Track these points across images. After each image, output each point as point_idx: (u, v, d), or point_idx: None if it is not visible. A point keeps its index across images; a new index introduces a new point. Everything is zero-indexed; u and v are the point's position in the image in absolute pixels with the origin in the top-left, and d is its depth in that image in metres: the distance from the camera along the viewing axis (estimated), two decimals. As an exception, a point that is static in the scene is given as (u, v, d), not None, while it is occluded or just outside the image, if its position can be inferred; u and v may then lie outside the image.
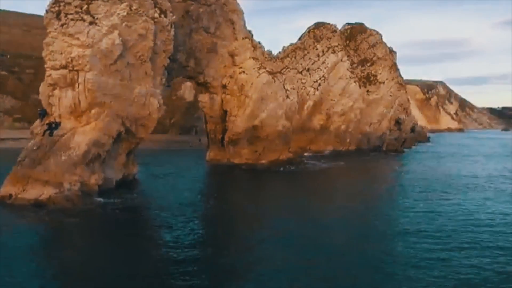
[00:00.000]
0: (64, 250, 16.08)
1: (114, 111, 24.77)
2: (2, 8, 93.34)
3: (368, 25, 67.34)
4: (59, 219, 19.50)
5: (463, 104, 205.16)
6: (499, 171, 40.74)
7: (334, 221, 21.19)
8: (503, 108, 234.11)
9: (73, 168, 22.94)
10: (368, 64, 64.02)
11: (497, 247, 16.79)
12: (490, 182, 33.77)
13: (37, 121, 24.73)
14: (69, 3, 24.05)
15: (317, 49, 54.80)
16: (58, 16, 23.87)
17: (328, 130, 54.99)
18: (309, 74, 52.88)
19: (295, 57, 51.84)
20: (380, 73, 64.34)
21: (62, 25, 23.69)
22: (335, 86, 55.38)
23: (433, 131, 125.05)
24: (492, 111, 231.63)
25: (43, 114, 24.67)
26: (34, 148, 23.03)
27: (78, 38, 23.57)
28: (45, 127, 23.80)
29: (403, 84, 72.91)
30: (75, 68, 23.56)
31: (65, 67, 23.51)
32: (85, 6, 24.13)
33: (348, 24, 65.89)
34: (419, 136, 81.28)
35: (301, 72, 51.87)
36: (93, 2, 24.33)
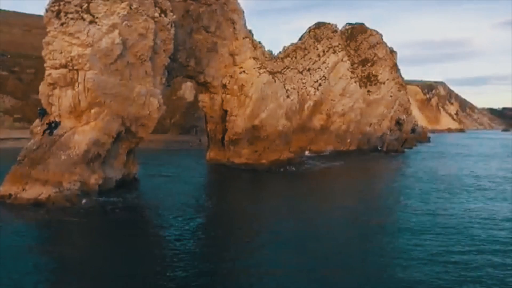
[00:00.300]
0: (63, 249, 16.00)
1: (114, 111, 24.71)
2: (2, 8, 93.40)
3: (368, 25, 67.40)
4: (59, 219, 19.44)
5: (464, 105, 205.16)
6: (500, 171, 40.65)
7: (335, 221, 21.12)
8: (504, 108, 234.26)
9: (73, 168, 22.87)
10: (369, 64, 63.97)
11: (500, 243, 16.72)
12: (492, 182, 33.69)
13: (37, 121, 24.67)
14: (69, 2, 23.97)
15: (317, 49, 54.77)
16: (58, 15, 23.80)
17: (329, 130, 54.94)
18: (310, 74, 52.83)
19: (295, 57, 51.80)
20: (380, 73, 64.30)
21: (62, 24, 23.61)
22: (335, 86, 55.34)
23: (433, 131, 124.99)
24: (492, 111, 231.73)
25: (43, 113, 24.60)
26: (34, 147, 22.97)
27: (78, 37, 23.49)
28: (45, 126, 23.74)
29: (403, 84, 72.85)
30: (75, 68, 23.48)
31: (65, 66, 23.44)
32: (85, 5, 24.06)
33: (349, 24, 65.87)
34: (420, 137, 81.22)
35: (301, 72, 51.82)
36: (93, 1, 24.26)
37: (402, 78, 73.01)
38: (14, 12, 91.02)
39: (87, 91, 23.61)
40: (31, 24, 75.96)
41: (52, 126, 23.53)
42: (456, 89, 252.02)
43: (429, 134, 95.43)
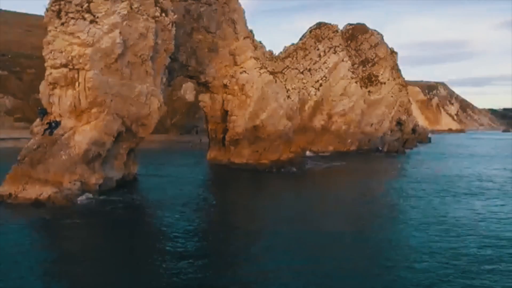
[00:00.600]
0: (63, 249, 15.95)
1: (114, 110, 24.68)
2: (3, 8, 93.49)
3: (369, 25, 67.38)
4: (59, 218, 19.38)
5: (464, 105, 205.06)
6: (502, 172, 40.55)
7: (337, 222, 21.05)
8: (504, 109, 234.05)
9: (73, 168, 22.84)
10: (370, 65, 63.96)
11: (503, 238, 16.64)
12: (494, 183, 33.57)
13: (37, 120, 24.64)
14: (70, 2, 23.92)
15: (318, 49, 54.73)
16: (58, 15, 23.77)
17: (329, 131, 54.89)
18: (310, 74, 52.80)
19: (296, 57, 51.78)
20: (381, 74, 64.28)
21: (62, 24, 23.58)
22: (336, 87, 55.29)
23: (434, 132, 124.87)
24: (493, 112, 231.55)
25: (43, 113, 24.57)
26: (34, 147, 22.93)
27: (78, 37, 23.46)
28: (45, 126, 23.72)
29: (404, 84, 72.83)
30: (75, 67, 23.46)
31: (65, 65, 23.42)
32: (86, 5, 24.01)
33: (350, 24, 65.85)
34: (420, 137, 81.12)
35: (302, 72, 51.80)
36: (93, 0, 24.20)
37: (403, 78, 72.98)
38: (15, 12, 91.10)
39: (88, 90, 23.58)
40: (31, 24, 75.97)
41: (53, 126, 23.50)
42: (456, 90, 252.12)
43: (430, 135, 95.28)
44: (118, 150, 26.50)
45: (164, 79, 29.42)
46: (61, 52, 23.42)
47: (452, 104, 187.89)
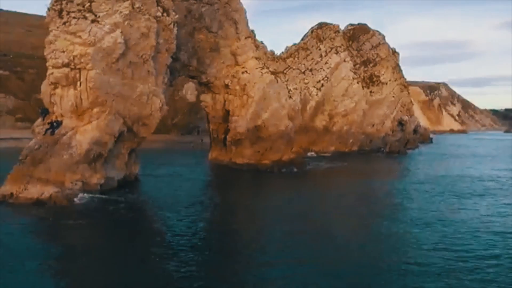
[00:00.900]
0: (64, 249, 15.88)
1: (116, 110, 24.62)
2: (4, 8, 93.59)
3: (371, 26, 67.28)
4: (60, 218, 19.32)
5: (466, 106, 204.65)
6: (505, 172, 40.38)
7: (338, 222, 20.97)
8: (506, 109, 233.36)
9: (74, 167, 22.80)
10: (371, 65, 63.85)
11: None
12: (497, 183, 33.40)
13: (39, 120, 24.61)
14: (71, 1, 23.92)
15: (320, 49, 54.64)
16: (60, 14, 23.75)
17: (331, 131, 54.78)
18: (312, 74, 52.70)
19: (298, 57, 51.67)
20: (383, 74, 64.17)
21: (64, 23, 23.56)
22: (338, 87, 55.19)
23: (435, 132, 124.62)
24: (495, 112, 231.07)
25: (45, 113, 24.55)
26: (36, 147, 22.89)
27: (80, 37, 23.43)
28: (47, 126, 23.68)
29: (406, 85, 72.70)
30: (77, 67, 23.42)
31: (67, 65, 23.38)
32: (87, 4, 23.98)
33: (351, 24, 65.73)
34: (422, 137, 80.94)
35: (303, 72, 51.69)
36: (95, 0, 24.18)
37: (405, 78, 72.84)
38: (16, 13, 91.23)
39: (89, 90, 23.54)
40: (32, 24, 76.07)
41: (54, 126, 23.47)
42: (458, 90, 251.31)
43: (431, 135, 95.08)
44: (119, 150, 26.44)
45: (166, 79, 29.36)
46: (63, 51, 23.39)
47: (454, 104, 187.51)
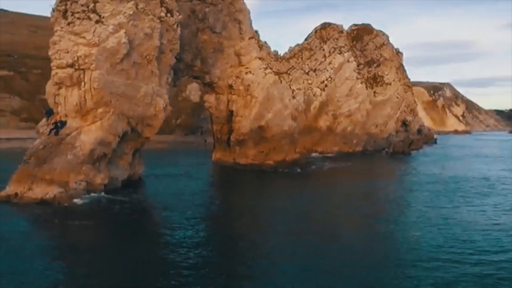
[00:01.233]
0: (68, 248, 15.92)
1: (120, 110, 24.68)
2: (9, 9, 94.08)
3: (374, 26, 67.10)
4: (64, 218, 19.38)
5: (470, 106, 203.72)
6: (509, 173, 40.14)
7: (341, 222, 20.91)
8: (511, 110, 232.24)
9: (79, 167, 22.86)
10: (375, 65, 63.70)
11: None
12: (504, 184, 33.15)
13: (43, 120, 24.70)
14: (76, 2, 24.01)
15: (323, 49, 54.56)
16: (64, 15, 23.85)
17: (334, 131, 54.67)
18: (316, 74, 52.63)
19: (301, 58, 51.62)
20: (386, 74, 64.01)
21: (68, 24, 23.65)
22: (341, 87, 55.08)
23: (439, 133, 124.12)
24: (499, 113, 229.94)
25: (49, 113, 24.63)
26: (40, 147, 22.97)
27: (84, 37, 23.51)
28: (51, 126, 23.76)
29: (409, 85, 72.47)
30: (81, 67, 23.49)
31: (71, 65, 23.45)
32: (92, 5, 24.07)
33: (355, 25, 65.61)
34: (426, 138, 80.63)
35: (307, 73, 51.62)
36: (99, 0, 24.27)
37: (409, 79, 72.60)
38: (21, 14, 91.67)
39: (93, 90, 23.60)
40: (37, 25, 76.46)
41: (58, 126, 23.54)
42: (462, 91, 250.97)
43: (435, 136, 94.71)
44: (123, 150, 26.51)
45: (170, 79, 29.40)
46: (67, 52, 23.47)
47: (458, 105, 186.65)
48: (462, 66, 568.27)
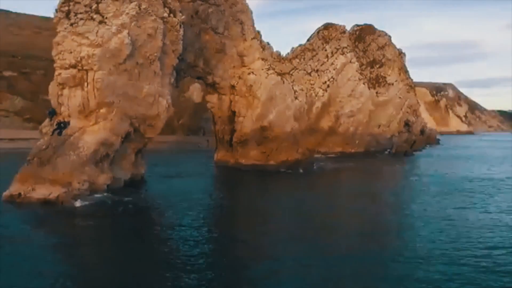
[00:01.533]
0: (70, 248, 15.97)
1: (122, 111, 24.73)
2: (12, 10, 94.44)
3: (377, 26, 66.95)
4: (67, 218, 19.44)
5: (473, 107, 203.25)
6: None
7: (344, 222, 20.88)
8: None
9: (81, 168, 22.90)
10: (377, 66, 63.56)
11: None
12: (507, 185, 33.04)
13: (46, 121, 24.77)
14: (79, 2, 24.06)
15: (326, 50, 54.51)
16: (67, 16, 23.89)
17: (337, 132, 54.62)
18: (318, 75, 52.58)
19: (304, 58, 51.57)
20: (389, 75, 63.86)
21: (71, 25, 23.70)
22: (344, 88, 55.02)
23: (442, 133, 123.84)
24: (502, 113, 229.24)
25: (52, 113, 24.69)
26: (43, 147, 23.03)
27: (87, 38, 23.55)
28: (54, 126, 23.82)
29: (412, 85, 72.30)
30: (84, 68, 23.54)
31: (74, 66, 23.52)
32: (95, 5, 24.12)
33: (357, 25, 65.48)
34: (429, 139, 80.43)
35: (309, 73, 51.59)
36: (102, 1, 24.33)
37: (411, 79, 72.44)
38: (24, 14, 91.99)
39: (96, 91, 23.65)
40: (40, 26, 76.73)
41: (61, 126, 23.60)
42: (465, 91, 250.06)
43: (438, 136, 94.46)
44: (126, 151, 26.57)
45: (172, 80, 29.45)
46: (70, 52, 23.53)
47: (461, 105, 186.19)
48: (465, 67, 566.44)
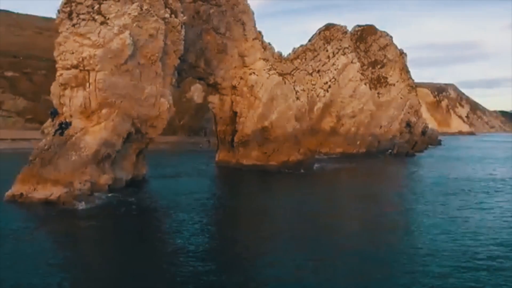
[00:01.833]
0: (72, 248, 16.00)
1: (124, 111, 24.77)
2: (14, 11, 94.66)
3: (378, 27, 66.94)
4: (68, 218, 19.47)
5: (474, 107, 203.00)
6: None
7: (345, 222, 20.87)
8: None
9: (83, 168, 22.95)
10: (379, 66, 63.53)
11: None
12: (510, 185, 32.96)
13: (48, 121, 24.82)
14: (81, 3, 24.11)
15: (327, 50, 54.51)
16: (69, 16, 23.95)
17: (338, 132, 54.60)
18: (319, 75, 52.59)
19: (305, 59, 51.60)
20: (390, 75, 63.84)
21: (73, 25, 23.76)
22: (345, 88, 55.02)
23: (443, 134, 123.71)
24: (504, 114, 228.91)
25: (54, 114, 24.74)
26: (45, 147, 23.08)
27: (89, 38, 23.61)
28: (56, 127, 23.86)
29: (414, 86, 72.22)
30: (86, 68, 23.60)
31: (76, 67, 23.57)
32: (97, 6, 24.16)
33: (359, 26, 65.48)
34: (430, 139, 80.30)
35: (311, 74, 51.61)
36: (104, 2, 24.36)
37: (412, 80, 72.36)
38: (26, 15, 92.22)
39: (98, 91, 23.70)
40: (42, 27, 76.88)
41: (63, 127, 23.64)
42: (466, 92, 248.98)
43: (440, 137, 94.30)
44: (127, 151, 26.62)
45: (174, 80, 29.49)
46: (72, 53, 23.59)
47: (462, 106, 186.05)
48: (467, 67, 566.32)
